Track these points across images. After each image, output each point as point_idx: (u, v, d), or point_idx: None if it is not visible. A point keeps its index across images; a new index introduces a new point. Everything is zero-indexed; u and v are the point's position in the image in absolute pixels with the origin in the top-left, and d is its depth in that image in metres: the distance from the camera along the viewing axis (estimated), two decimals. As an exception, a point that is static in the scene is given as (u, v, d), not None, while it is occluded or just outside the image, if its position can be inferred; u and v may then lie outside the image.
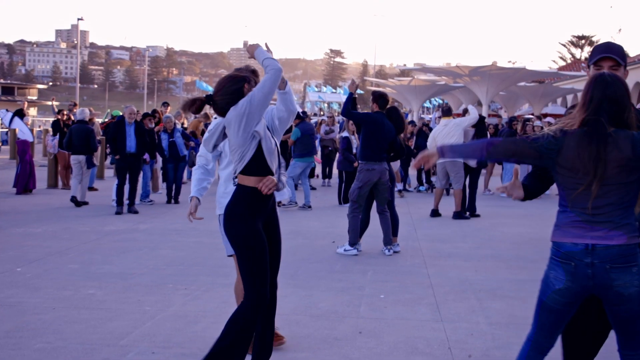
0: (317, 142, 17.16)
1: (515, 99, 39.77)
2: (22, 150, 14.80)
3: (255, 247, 4.07)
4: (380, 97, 9.00)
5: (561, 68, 56.83)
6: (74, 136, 13.16)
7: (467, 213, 12.34)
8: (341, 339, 5.29)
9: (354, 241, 8.69)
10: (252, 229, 4.08)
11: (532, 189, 3.65)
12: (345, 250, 8.66)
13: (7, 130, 23.81)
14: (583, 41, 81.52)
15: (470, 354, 5.02)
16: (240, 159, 4.11)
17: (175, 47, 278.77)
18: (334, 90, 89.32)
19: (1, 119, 21.82)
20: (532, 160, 3.33)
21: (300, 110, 34.01)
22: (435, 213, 12.30)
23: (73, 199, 12.76)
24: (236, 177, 4.20)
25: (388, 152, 8.89)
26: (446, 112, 12.83)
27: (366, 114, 9.03)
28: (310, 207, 12.99)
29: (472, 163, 12.43)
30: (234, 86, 4.18)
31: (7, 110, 19.25)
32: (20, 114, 17.38)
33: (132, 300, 6.29)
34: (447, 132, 12.08)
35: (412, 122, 19.08)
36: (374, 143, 8.64)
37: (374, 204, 8.99)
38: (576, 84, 39.05)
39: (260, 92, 4.06)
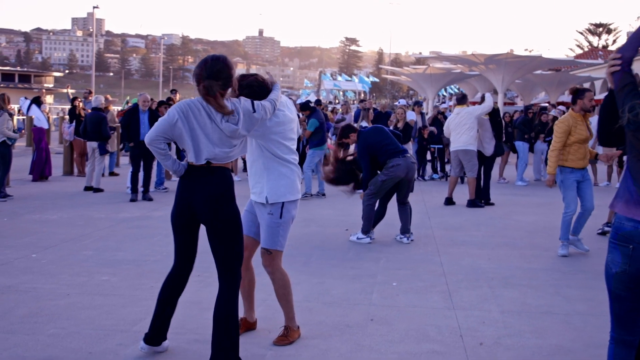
0: (330, 130, 17.17)
1: (531, 87, 39.52)
2: (38, 138, 14.90)
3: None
4: (348, 128, 9.01)
5: (578, 56, 56.42)
6: (88, 123, 13.33)
7: (482, 201, 12.30)
8: (353, 326, 5.31)
9: (367, 229, 8.69)
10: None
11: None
12: (358, 238, 8.67)
13: (23, 117, 23.93)
14: (601, 29, 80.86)
15: (481, 341, 5.02)
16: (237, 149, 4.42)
17: (191, 35, 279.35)
18: (349, 79, 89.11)
19: (20, 107, 21.97)
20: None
21: (315, 98, 33.78)
22: (449, 201, 12.26)
23: (87, 189, 12.88)
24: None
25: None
26: (460, 100, 12.76)
27: (359, 150, 8.83)
28: (324, 194, 13.01)
29: (488, 151, 12.37)
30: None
31: (25, 98, 19.41)
32: (37, 101, 17.47)
33: (146, 286, 6.33)
34: (459, 121, 12.02)
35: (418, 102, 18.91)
36: (382, 147, 8.68)
37: (392, 195, 9.00)
38: (593, 72, 38.75)
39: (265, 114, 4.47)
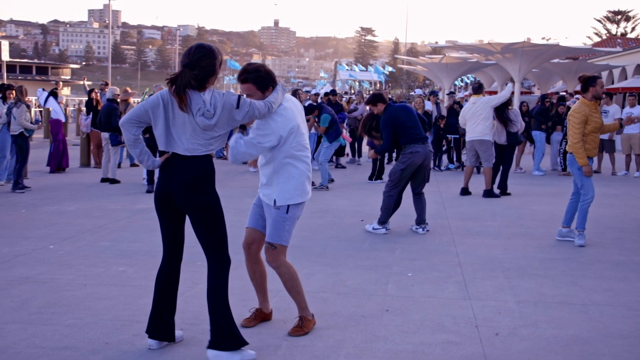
0: (345, 120, 17.14)
1: (548, 76, 39.19)
2: (56, 130, 15.00)
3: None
4: (377, 99, 8.89)
5: (596, 44, 55.86)
6: (102, 115, 13.46)
7: (498, 191, 12.24)
8: (368, 317, 5.31)
9: (384, 220, 8.67)
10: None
11: None
12: (373, 228, 8.66)
13: (40, 109, 24.09)
14: (619, 16, 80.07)
15: (497, 332, 5.00)
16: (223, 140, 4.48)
17: (207, 26, 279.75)
18: (364, 69, 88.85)
19: (37, 98, 22.07)
20: None
21: (330, 88, 33.65)
22: (465, 191, 12.22)
23: (104, 180, 12.99)
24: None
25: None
26: (476, 89, 12.68)
27: (384, 121, 8.72)
28: (328, 187, 12.81)
29: (502, 140, 12.31)
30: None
31: (43, 90, 19.50)
32: (54, 93, 17.61)
33: (162, 277, 6.35)
34: (475, 111, 11.96)
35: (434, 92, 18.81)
36: (406, 129, 8.60)
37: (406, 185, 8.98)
38: (611, 60, 38.35)
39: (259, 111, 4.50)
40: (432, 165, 16.47)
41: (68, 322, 5.06)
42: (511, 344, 4.77)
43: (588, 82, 8.00)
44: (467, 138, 12.18)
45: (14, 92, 12.76)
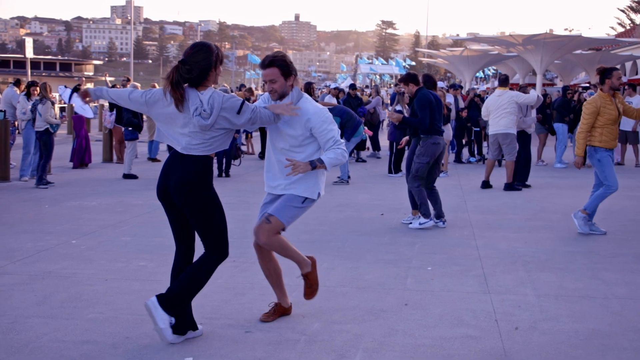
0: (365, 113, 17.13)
1: (571, 68, 38.93)
2: (78, 126, 15.14)
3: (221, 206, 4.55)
4: (410, 78, 8.85)
5: (619, 35, 55.22)
6: (121, 110, 13.72)
7: (520, 184, 12.19)
8: (387, 311, 5.31)
9: (427, 212, 8.56)
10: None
11: None
12: (420, 224, 8.53)
13: (61, 105, 24.32)
14: (643, 6, 78.93)
15: (517, 326, 4.98)
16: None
17: (228, 21, 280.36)
18: (385, 62, 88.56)
19: (60, 95, 22.31)
20: None
21: (350, 82, 33.57)
22: (486, 184, 12.16)
23: (125, 176, 13.11)
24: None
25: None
26: (503, 81, 12.54)
27: (421, 99, 8.66)
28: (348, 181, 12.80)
29: (531, 130, 12.39)
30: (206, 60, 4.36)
31: (65, 87, 19.63)
32: (78, 90, 17.81)
33: (182, 271, 6.39)
34: (500, 104, 11.86)
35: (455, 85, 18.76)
36: (434, 117, 8.59)
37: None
38: (635, 50, 37.92)
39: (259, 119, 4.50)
40: (454, 158, 16.46)
41: (89, 317, 5.12)
42: (531, 338, 4.75)
43: (604, 74, 7.99)
44: (491, 131, 12.11)
45: (38, 88, 12.91)
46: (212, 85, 4.50)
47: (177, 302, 4.42)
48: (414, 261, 6.90)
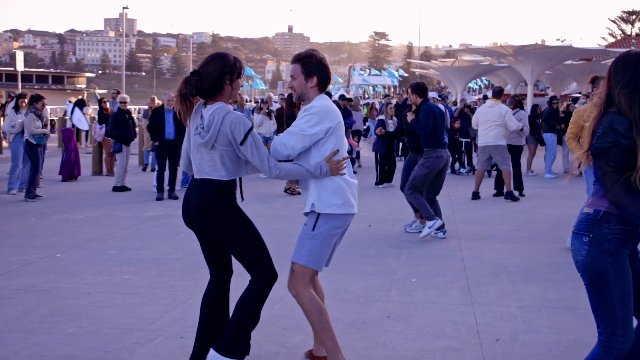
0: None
1: (562, 78, 39.11)
2: (67, 138, 15.11)
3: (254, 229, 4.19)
4: (418, 88, 8.91)
5: (610, 45, 55.51)
6: (109, 123, 13.80)
7: (517, 193, 12.26)
8: (369, 323, 5.30)
9: (429, 214, 8.48)
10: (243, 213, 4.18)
11: None
12: (429, 227, 8.39)
13: (52, 119, 24.33)
14: (634, 17, 79.50)
15: (498, 337, 4.98)
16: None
17: (221, 33, 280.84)
18: (378, 73, 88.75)
19: (66, 111, 22.35)
20: None
21: (343, 93, 33.63)
22: (476, 195, 12.17)
23: (115, 189, 13.09)
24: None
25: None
26: (496, 93, 12.52)
27: (427, 109, 8.70)
28: None
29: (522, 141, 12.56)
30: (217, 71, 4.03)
31: (70, 102, 19.82)
32: (80, 104, 17.93)
33: (166, 285, 6.38)
34: (490, 116, 11.83)
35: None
36: (437, 130, 8.64)
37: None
38: (625, 61, 38.09)
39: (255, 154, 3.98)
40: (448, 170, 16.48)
41: (70, 331, 5.09)
42: (512, 350, 4.74)
43: (593, 84, 8.00)
44: (481, 143, 12.12)
45: (25, 100, 12.91)
46: (231, 101, 4.18)
47: (234, 343, 4.11)
48: (399, 273, 6.89)
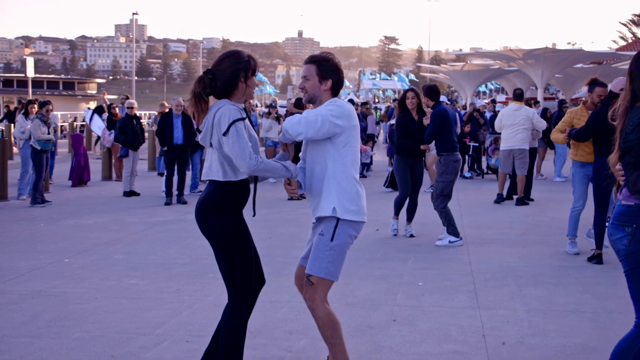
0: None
1: (572, 82, 38.96)
2: (77, 144, 15.18)
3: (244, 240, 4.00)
4: (432, 91, 8.90)
5: (621, 48, 55.24)
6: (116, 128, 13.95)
7: (531, 198, 12.28)
8: (374, 327, 5.29)
9: (456, 231, 8.45)
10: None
11: None
12: (450, 242, 8.40)
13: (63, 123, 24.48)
14: (645, 20, 79.01)
15: (504, 341, 4.96)
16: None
17: (231, 39, 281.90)
18: (388, 77, 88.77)
19: (85, 118, 22.48)
20: None
21: (355, 98, 33.47)
22: (501, 198, 12.14)
23: (125, 194, 13.12)
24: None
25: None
26: (519, 96, 12.47)
27: (438, 115, 8.64)
28: None
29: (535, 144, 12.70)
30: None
31: (88, 108, 19.97)
32: (99, 110, 18.11)
33: (172, 289, 6.40)
34: (516, 119, 11.80)
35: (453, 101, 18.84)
36: (451, 134, 8.64)
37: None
38: (636, 64, 37.91)
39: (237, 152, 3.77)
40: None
41: (76, 336, 5.11)
42: (517, 353, 4.72)
43: (588, 88, 7.89)
44: (506, 146, 12.05)
45: (35, 106, 12.99)
46: (248, 101, 4.04)
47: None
48: (406, 277, 6.88)
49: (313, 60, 4.16)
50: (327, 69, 4.11)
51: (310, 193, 4.19)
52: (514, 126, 11.86)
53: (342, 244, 4.08)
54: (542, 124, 12.14)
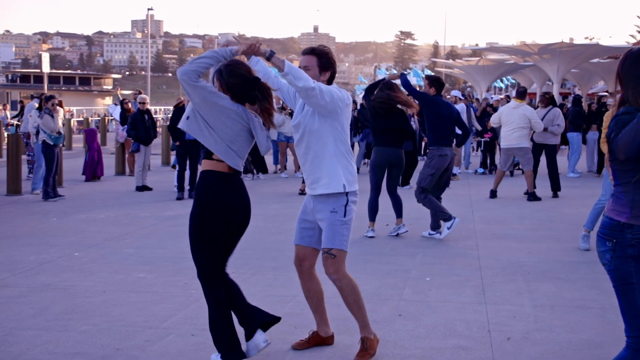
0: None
1: (589, 77, 38.69)
2: (90, 139, 15.27)
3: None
4: (435, 81, 8.87)
5: (639, 42, 54.79)
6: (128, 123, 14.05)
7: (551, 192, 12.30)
8: (380, 322, 5.28)
9: (446, 216, 8.36)
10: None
11: None
12: (448, 228, 8.31)
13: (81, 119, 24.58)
14: (663, 14, 78.25)
15: (509, 336, 4.94)
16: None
17: (247, 34, 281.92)
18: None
19: (111, 113, 22.57)
20: None
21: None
22: (493, 194, 12.10)
23: (138, 189, 13.19)
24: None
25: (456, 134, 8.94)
26: (520, 94, 12.40)
27: (424, 94, 8.79)
28: None
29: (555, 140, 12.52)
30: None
31: (115, 105, 20.06)
32: (123, 106, 18.25)
33: (180, 283, 6.43)
34: (513, 117, 11.74)
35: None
36: (442, 127, 8.54)
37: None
38: (654, 58, 37.59)
39: None
40: (456, 169, 16.37)
41: (83, 329, 5.15)
42: (522, 349, 4.71)
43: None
44: (505, 145, 12.00)
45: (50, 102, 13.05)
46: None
47: (216, 338, 4.24)
48: (414, 271, 6.87)
49: (314, 52, 4.45)
50: (326, 61, 4.42)
51: (310, 171, 4.47)
52: (511, 124, 11.81)
53: (352, 218, 4.54)
54: (540, 126, 11.99)
